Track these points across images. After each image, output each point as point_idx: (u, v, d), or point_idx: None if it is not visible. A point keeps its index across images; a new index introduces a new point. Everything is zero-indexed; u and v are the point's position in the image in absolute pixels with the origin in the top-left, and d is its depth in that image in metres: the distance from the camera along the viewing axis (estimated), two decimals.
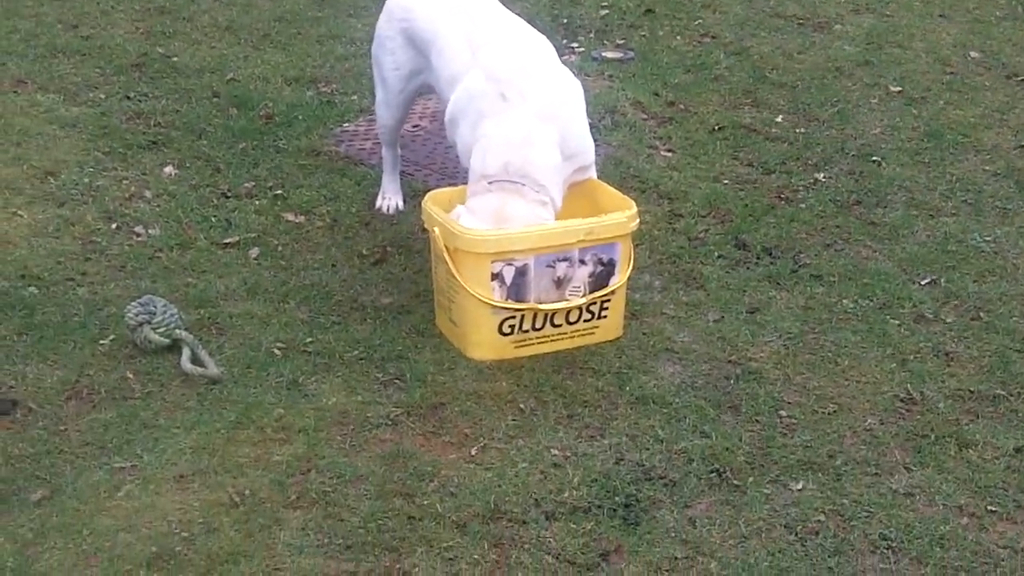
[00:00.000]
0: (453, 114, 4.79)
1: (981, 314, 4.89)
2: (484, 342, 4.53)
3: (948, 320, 4.85)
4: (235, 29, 7.43)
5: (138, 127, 6.15)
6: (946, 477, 4.02)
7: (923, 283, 5.09)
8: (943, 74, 7.18)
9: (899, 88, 6.95)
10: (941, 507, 3.90)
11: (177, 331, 4.46)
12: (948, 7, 8.24)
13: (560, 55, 6.89)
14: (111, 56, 6.96)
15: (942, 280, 5.11)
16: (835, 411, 4.32)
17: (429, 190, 4.84)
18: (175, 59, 6.96)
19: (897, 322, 4.83)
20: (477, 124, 4.66)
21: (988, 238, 5.43)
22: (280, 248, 5.21)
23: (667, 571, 3.62)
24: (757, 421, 4.25)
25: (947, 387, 4.46)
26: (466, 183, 4.69)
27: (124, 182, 5.63)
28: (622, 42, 7.44)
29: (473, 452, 4.07)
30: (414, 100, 5.40)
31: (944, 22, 7.98)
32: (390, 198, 5.59)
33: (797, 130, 6.42)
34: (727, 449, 4.09)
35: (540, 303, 4.54)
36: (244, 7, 7.79)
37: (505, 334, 4.53)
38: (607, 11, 7.91)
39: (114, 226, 5.28)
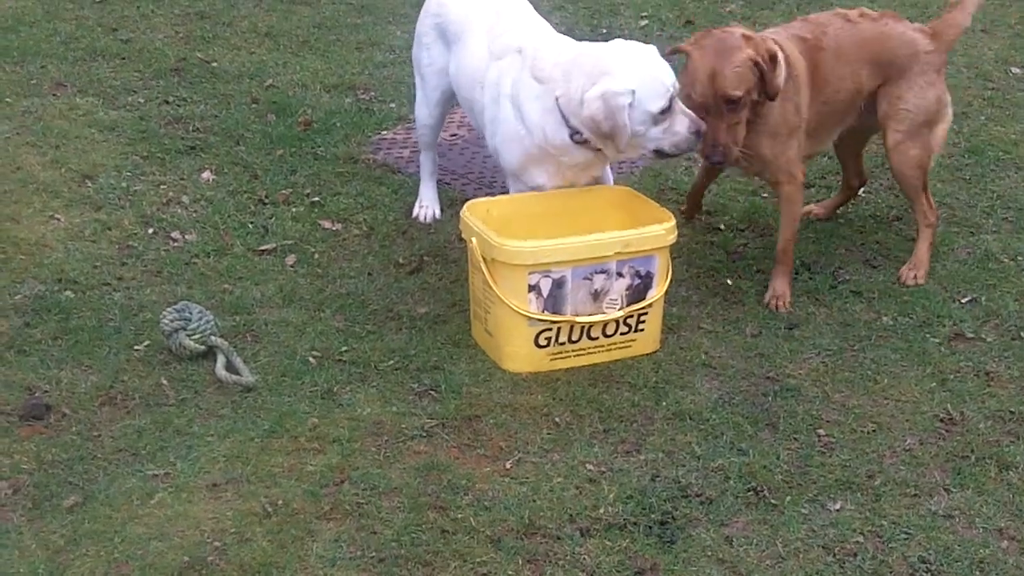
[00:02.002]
0: (514, 102, 4.79)
1: (1022, 333, 4.83)
2: (520, 354, 4.50)
3: (988, 339, 4.80)
4: (275, 35, 7.44)
5: (176, 132, 6.15)
6: (986, 499, 3.97)
7: (963, 301, 5.04)
8: (984, 90, 7.11)
9: None
10: (981, 530, 3.85)
11: (212, 338, 4.45)
12: (989, 22, 8.16)
13: None
14: (150, 60, 6.97)
15: (982, 298, 5.05)
16: (874, 430, 4.27)
17: (467, 200, 4.82)
18: (214, 64, 6.96)
19: (937, 340, 4.78)
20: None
21: None
22: (316, 256, 5.20)
23: None
24: (795, 439, 4.21)
25: (987, 407, 4.41)
26: (504, 191, 4.67)
27: (162, 187, 5.63)
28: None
29: (508, 465, 4.04)
30: (452, 100, 5.38)
31: (985, 37, 7.90)
32: (427, 206, 5.57)
33: None
34: (765, 467, 4.05)
35: (577, 315, 4.51)
36: (284, 13, 7.79)
37: (541, 346, 4.51)
38: (647, 22, 7.88)
39: (151, 231, 5.28)
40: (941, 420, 4.34)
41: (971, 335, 4.82)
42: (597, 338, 4.57)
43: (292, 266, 5.11)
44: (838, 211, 5.65)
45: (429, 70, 5.32)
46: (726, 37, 4.76)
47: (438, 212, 5.56)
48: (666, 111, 4.59)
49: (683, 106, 4.64)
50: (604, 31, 7.62)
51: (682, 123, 4.60)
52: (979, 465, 4.12)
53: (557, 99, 4.61)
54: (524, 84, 4.70)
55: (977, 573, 3.67)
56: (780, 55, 4.78)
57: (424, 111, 5.44)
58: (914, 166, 5.16)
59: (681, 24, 7.87)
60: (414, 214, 5.56)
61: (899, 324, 4.87)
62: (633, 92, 4.51)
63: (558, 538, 3.73)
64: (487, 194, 5.33)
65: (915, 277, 5.16)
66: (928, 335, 4.80)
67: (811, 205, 5.63)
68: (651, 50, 4.68)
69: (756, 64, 4.67)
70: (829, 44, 5.04)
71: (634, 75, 4.54)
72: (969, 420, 4.34)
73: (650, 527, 3.79)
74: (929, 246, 5.24)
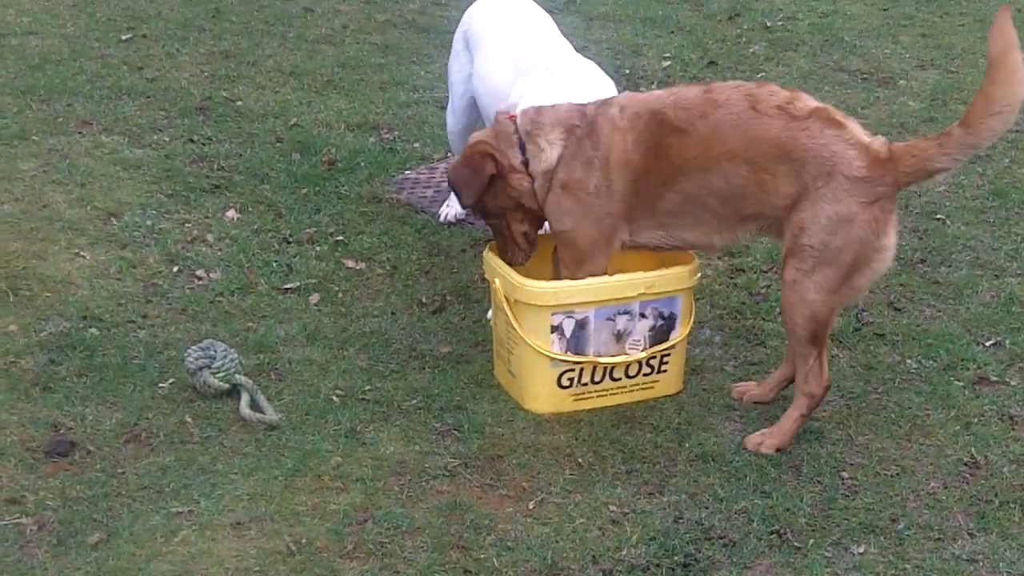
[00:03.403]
0: None
1: None
2: (543, 394, 4.51)
3: (1013, 383, 4.78)
4: (299, 74, 7.49)
5: (201, 170, 6.19)
6: (1010, 544, 3.95)
7: (987, 344, 5.03)
8: (1008, 132, 7.08)
9: None
10: (1005, 574, 3.83)
11: (236, 376, 4.46)
12: None
13: None
14: (176, 99, 7.02)
15: (1007, 342, 5.04)
16: (898, 474, 4.26)
17: (490, 239, 4.83)
18: (239, 103, 7.01)
19: (961, 384, 4.76)
20: None
21: None
22: (340, 294, 5.21)
23: None
24: (819, 482, 4.20)
25: (1011, 451, 4.39)
26: None
27: (187, 225, 5.66)
28: None
29: (531, 506, 4.04)
30: (477, 109, 5.54)
31: None
32: (452, 205, 5.79)
33: None
34: (788, 510, 4.04)
35: (600, 356, 4.51)
36: (308, 53, 7.85)
37: (564, 387, 4.51)
38: (669, 62, 7.91)
39: (176, 269, 5.31)
40: (965, 464, 4.32)
41: (995, 378, 4.80)
42: (620, 379, 4.57)
43: (316, 305, 5.13)
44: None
45: (457, 77, 5.55)
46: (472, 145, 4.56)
47: (460, 212, 5.75)
48: None
49: None
50: (627, 71, 7.66)
51: None
52: (1003, 509, 4.11)
53: None
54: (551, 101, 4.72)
55: None
56: (506, 160, 4.44)
57: (452, 118, 5.66)
58: (807, 316, 4.22)
59: (704, 65, 7.90)
60: (440, 212, 5.85)
61: (923, 367, 4.86)
62: None
63: None
64: None
65: (758, 444, 4.34)
66: (952, 378, 4.79)
67: (746, 384, 4.70)
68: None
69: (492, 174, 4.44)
70: (701, 130, 4.24)
71: None
72: (993, 464, 4.33)
73: (673, 569, 3.78)
74: (799, 418, 4.34)
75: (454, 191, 4.63)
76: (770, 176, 4.20)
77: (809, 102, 4.24)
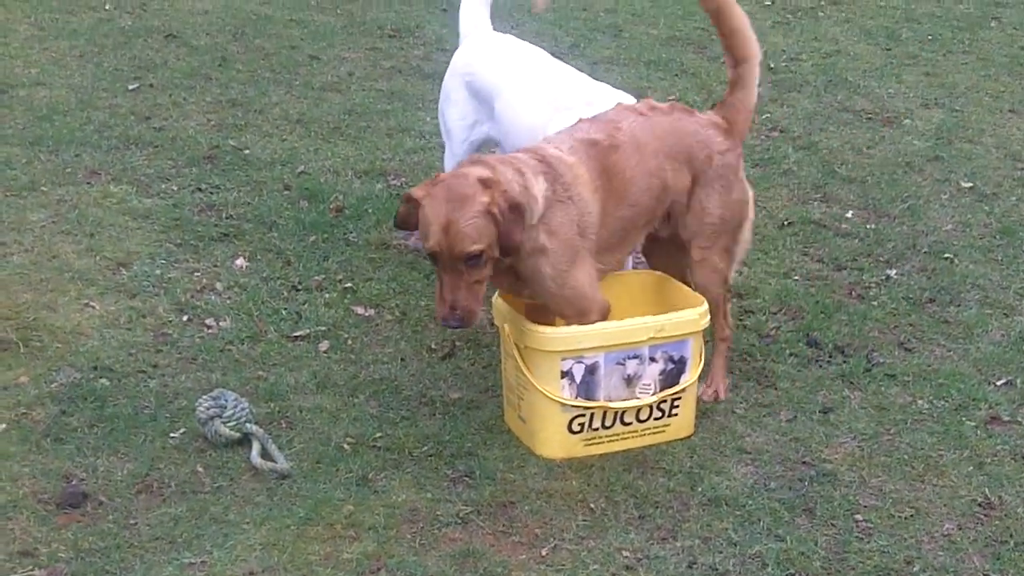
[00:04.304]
0: None
1: None
2: (553, 440, 4.50)
3: None
4: (306, 122, 7.51)
5: (210, 219, 6.20)
6: None
7: (999, 384, 5.02)
8: (1014, 170, 7.13)
9: (970, 184, 6.90)
10: None
11: (247, 425, 4.46)
12: (1018, 102, 8.20)
13: None
14: (183, 148, 7.04)
15: (1018, 381, 5.03)
16: (912, 515, 4.24)
17: None
18: (246, 151, 7.03)
19: (973, 424, 4.75)
20: None
21: None
22: (350, 341, 5.21)
23: None
24: (833, 525, 4.18)
25: None
26: None
27: (195, 274, 5.67)
28: None
29: (543, 553, 4.02)
30: (476, 151, 5.60)
31: (1014, 117, 7.94)
32: None
33: (868, 226, 6.38)
34: (802, 554, 4.02)
35: (610, 401, 4.51)
36: (315, 100, 7.88)
37: (575, 432, 4.50)
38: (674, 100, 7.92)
39: (185, 318, 5.31)
40: (979, 504, 4.31)
41: (1007, 418, 4.79)
42: (631, 423, 4.56)
43: (326, 352, 5.13)
44: (870, 292, 5.39)
45: (459, 124, 5.63)
46: (458, 182, 4.21)
47: None
48: None
49: None
50: None
51: None
52: (1018, 550, 4.09)
53: None
54: None
55: None
56: (526, 200, 4.24)
57: (451, 162, 5.66)
58: (720, 281, 4.78)
59: (709, 107, 7.89)
60: None
61: (935, 408, 4.85)
62: None
63: None
64: None
65: (714, 394, 4.83)
66: (964, 418, 4.78)
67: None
68: None
69: (493, 214, 4.13)
70: (625, 140, 4.54)
71: None
72: (1008, 504, 4.31)
73: None
74: (724, 361, 4.89)
75: (510, 234, 4.21)
76: (678, 166, 4.65)
77: (659, 103, 4.77)
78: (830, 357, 5.18)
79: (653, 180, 4.58)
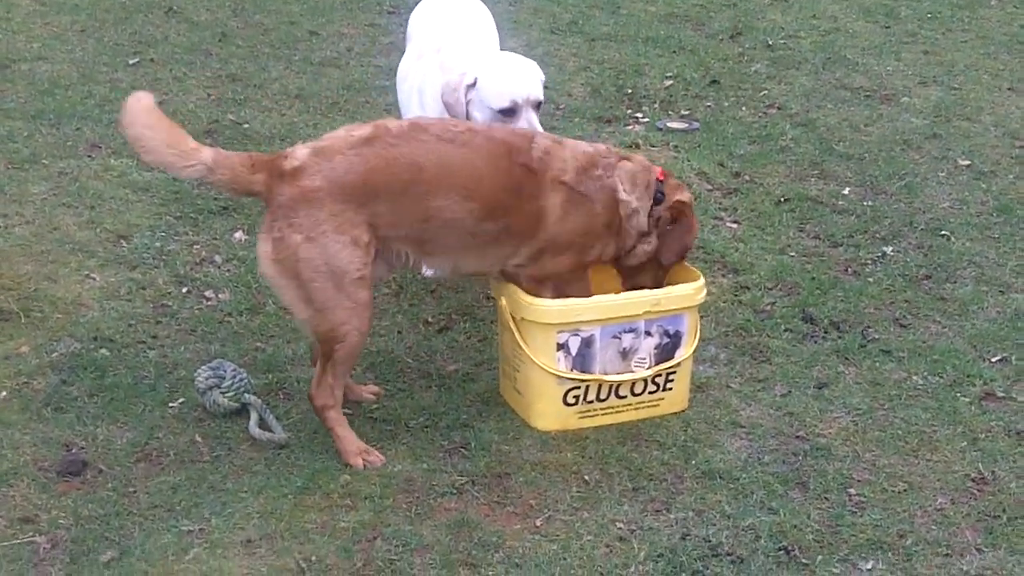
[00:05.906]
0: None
1: None
2: (549, 412, 4.53)
3: (1020, 398, 4.80)
4: (305, 97, 7.53)
5: (209, 193, 6.21)
6: (1019, 559, 3.96)
7: (993, 360, 5.05)
8: (1012, 148, 7.14)
9: (968, 162, 6.92)
10: None
11: (246, 395, 4.49)
12: (1017, 80, 8.21)
13: (624, 124, 6.94)
14: (183, 122, 6.97)
15: (1013, 357, 5.06)
16: (905, 490, 4.27)
17: None
18: (246, 126, 7.05)
19: (967, 400, 4.78)
20: None
21: None
22: None
23: None
24: (826, 498, 4.21)
25: (1019, 466, 4.41)
26: None
27: (195, 247, 5.70)
28: (687, 113, 7.46)
29: (538, 523, 4.06)
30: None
31: (1013, 95, 7.95)
32: None
33: (864, 203, 6.40)
34: (795, 527, 4.06)
35: (605, 374, 4.54)
36: (314, 75, 7.89)
37: (570, 404, 4.53)
38: (672, 81, 7.94)
39: (185, 290, 5.34)
40: (972, 480, 4.34)
41: (1002, 394, 4.82)
42: (626, 397, 4.59)
43: None
44: (866, 269, 5.50)
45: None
46: None
47: None
48: (509, 113, 4.80)
49: (533, 117, 4.83)
50: (629, 91, 7.68)
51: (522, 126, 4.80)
52: (1011, 525, 4.12)
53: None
54: (429, 77, 5.10)
55: None
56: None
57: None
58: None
59: (706, 84, 7.93)
60: None
61: (929, 383, 4.88)
62: (475, 81, 4.82)
63: None
64: None
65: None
66: (959, 394, 4.81)
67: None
68: (522, 64, 4.93)
69: None
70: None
71: (485, 71, 4.84)
72: (1001, 480, 4.34)
73: None
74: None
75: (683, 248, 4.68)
76: None
77: None
78: (825, 333, 5.20)
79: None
